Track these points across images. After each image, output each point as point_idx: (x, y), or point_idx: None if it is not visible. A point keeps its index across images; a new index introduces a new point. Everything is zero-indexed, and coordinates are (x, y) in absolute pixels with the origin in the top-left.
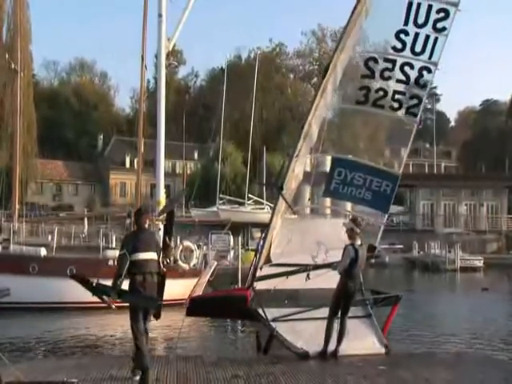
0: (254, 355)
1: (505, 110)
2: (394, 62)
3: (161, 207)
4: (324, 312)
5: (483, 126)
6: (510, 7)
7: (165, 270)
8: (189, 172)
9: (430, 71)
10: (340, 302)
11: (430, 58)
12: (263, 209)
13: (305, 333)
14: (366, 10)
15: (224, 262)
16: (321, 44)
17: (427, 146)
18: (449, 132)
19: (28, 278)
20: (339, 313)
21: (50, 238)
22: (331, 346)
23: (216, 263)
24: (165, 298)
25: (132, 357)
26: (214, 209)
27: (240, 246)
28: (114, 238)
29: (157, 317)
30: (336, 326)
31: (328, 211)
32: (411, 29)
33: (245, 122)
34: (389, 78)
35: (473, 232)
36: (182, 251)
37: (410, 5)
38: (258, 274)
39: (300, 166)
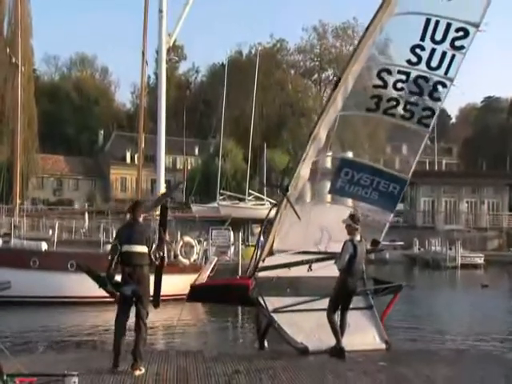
0: (255, 351)
1: (506, 107)
2: (408, 74)
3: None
4: (326, 303)
5: (484, 123)
6: None
7: (157, 262)
8: (189, 168)
9: (444, 86)
10: (339, 300)
11: (445, 73)
12: (264, 205)
13: (306, 326)
14: (380, 26)
15: (224, 257)
16: (322, 40)
17: (428, 142)
18: (450, 129)
19: (29, 272)
20: (339, 309)
21: (50, 232)
22: (331, 342)
23: (216, 259)
24: (165, 293)
25: (131, 351)
26: (215, 204)
27: (240, 242)
28: (114, 233)
29: (155, 305)
30: (337, 318)
31: (328, 206)
32: (428, 44)
33: (245, 118)
34: (401, 89)
35: (473, 229)
36: (182, 246)
37: (427, 21)
38: (261, 265)
39: (306, 168)
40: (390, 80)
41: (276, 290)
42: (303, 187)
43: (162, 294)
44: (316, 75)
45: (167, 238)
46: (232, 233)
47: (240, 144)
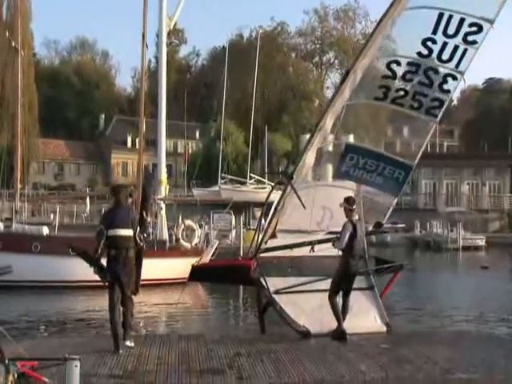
0: (256, 334)
1: (508, 89)
2: (418, 65)
3: (163, 187)
4: (328, 284)
5: (486, 104)
6: None
7: (142, 244)
8: (190, 151)
9: (455, 78)
10: (341, 283)
11: (456, 66)
12: (265, 188)
13: (307, 307)
14: (392, 20)
15: (226, 241)
16: (323, 23)
17: None
18: (451, 111)
19: (30, 256)
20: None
21: (52, 217)
22: (333, 324)
23: (218, 242)
24: (167, 276)
25: (121, 323)
26: (216, 188)
27: (242, 226)
28: None
29: (134, 292)
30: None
31: (331, 187)
32: (439, 38)
33: (246, 101)
34: (410, 80)
35: (475, 211)
36: (183, 230)
37: (440, 15)
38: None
39: (312, 155)
40: (400, 71)
41: (278, 270)
42: (307, 172)
43: (164, 277)
44: (317, 58)
45: (148, 219)
46: (233, 216)
47: (241, 127)
